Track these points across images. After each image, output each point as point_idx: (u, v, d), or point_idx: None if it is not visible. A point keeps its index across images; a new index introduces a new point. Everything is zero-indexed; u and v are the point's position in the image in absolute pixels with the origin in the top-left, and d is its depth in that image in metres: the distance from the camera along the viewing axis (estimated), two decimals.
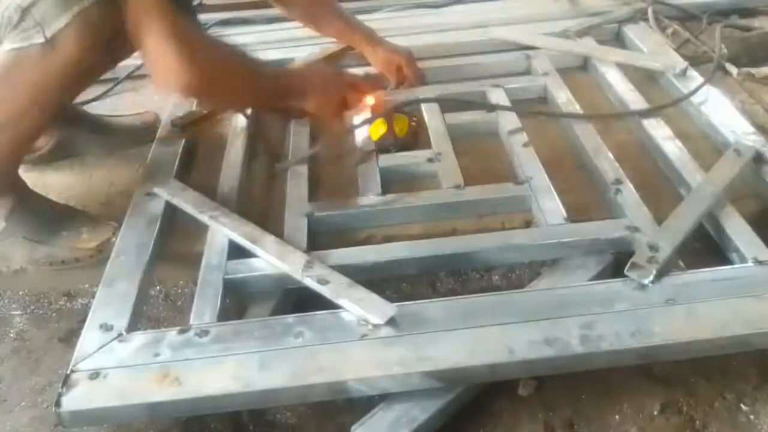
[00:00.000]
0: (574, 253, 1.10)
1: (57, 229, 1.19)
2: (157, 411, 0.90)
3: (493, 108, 1.46)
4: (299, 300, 1.09)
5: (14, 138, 1.14)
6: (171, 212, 1.24)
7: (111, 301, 1.03)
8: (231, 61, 1.18)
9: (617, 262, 1.08)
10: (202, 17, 1.98)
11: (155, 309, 1.15)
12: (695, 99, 1.45)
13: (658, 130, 1.35)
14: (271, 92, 1.25)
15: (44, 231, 1.18)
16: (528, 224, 1.19)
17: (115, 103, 1.68)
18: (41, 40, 1.03)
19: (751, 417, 0.93)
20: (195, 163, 1.43)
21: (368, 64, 1.62)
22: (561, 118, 1.45)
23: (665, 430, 0.92)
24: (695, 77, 1.51)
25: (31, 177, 1.35)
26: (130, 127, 1.53)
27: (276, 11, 2.00)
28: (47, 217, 1.20)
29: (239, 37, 1.88)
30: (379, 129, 1.37)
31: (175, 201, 1.23)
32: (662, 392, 0.97)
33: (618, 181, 1.21)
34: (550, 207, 1.17)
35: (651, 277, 0.98)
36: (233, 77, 1.17)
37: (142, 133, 1.50)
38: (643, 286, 0.98)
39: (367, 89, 1.30)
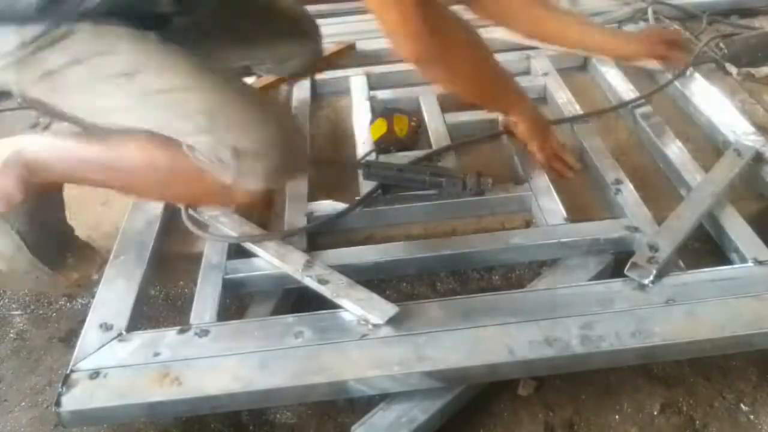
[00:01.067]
0: (574, 253, 1.10)
1: (49, 243, 1.14)
2: (157, 411, 0.90)
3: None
4: (299, 300, 1.09)
5: None
6: (171, 212, 1.24)
7: (111, 300, 1.04)
8: (471, 40, 1.11)
9: (617, 262, 1.08)
10: None
11: (155, 309, 1.15)
12: (695, 99, 1.45)
13: (658, 130, 1.35)
14: (499, 90, 1.22)
15: (35, 237, 1.12)
16: (528, 224, 1.19)
17: None
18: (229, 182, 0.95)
19: (751, 417, 0.93)
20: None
21: None
22: (561, 118, 1.45)
23: (665, 430, 0.92)
24: (695, 77, 1.51)
25: None
26: None
27: None
28: (47, 228, 1.15)
29: None
30: (379, 129, 1.37)
31: None
32: (662, 392, 0.97)
33: (618, 181, 1.21)
34: (550, 207, 1.17)
35: (651, 277, 0.98)
36: (469, 56, 1.11)
37: None
38: (643, 286, 0.98)
39: (559, 160, 1.29)
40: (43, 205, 1.13)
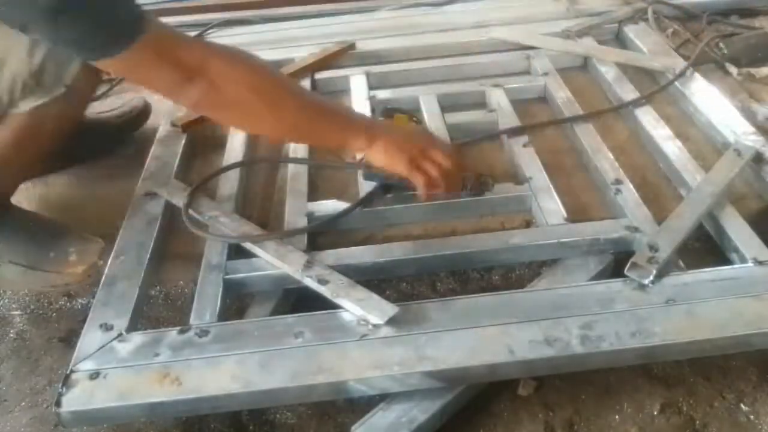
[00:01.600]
0: (574, 253, 1.10)
1: (44, 251, 1.16)
2: (157, 411, 0.90)
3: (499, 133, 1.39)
4: (299, 300, 1.09)
5: (21, 175, 1.22)
6: (171, 212, 1.24)
7: (111, 301, 1.04)
8: (251, 73, 1.01)
9: (617, 262, 1.08)
10: (202, 17, 1.99)
11: (155, 309, 1.15)
12: (695, 99, 1.45)
13: (658, 130, 1.35)
14: (321, 123, 1.07)
15: (31, 254, 1.16)
16: (528, 224, 1.19)
17: (115, 102, 1.67)
18: (62, 89, 1.09)
19: (751, 417, 0.93)
20: (195, 163, 1.43)
21: None
22: (561, 117, 1.45)
23: (665, 430, 0.92)
24: (695, 77, 1.51)
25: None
26: (119, 118, 1.52)
27: (276, 11, 2.01)
28: (33, 239, 1.17)
29: (239, 37, 1.88)
30: None
31: (175, 201, 1.23)
32: (662, 392, 0.97)
33: (618, 181, 1.21)
34: (550, 207, 1.17)
35: (651, 277, 0.98)
36: (252, 93, 0.99)
37: (132, 120, 1.51)
38: (643, 286, 0.98)
39: (439, 156, 1.10)
40: (6, 224, 1.17)
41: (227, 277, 1.08)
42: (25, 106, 1.08)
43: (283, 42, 1.83)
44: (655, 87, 1.53)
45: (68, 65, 1.09)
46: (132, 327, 1.00)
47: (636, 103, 1.44)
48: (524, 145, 1.33)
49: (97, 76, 1.20)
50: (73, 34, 0.84)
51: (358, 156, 1.25)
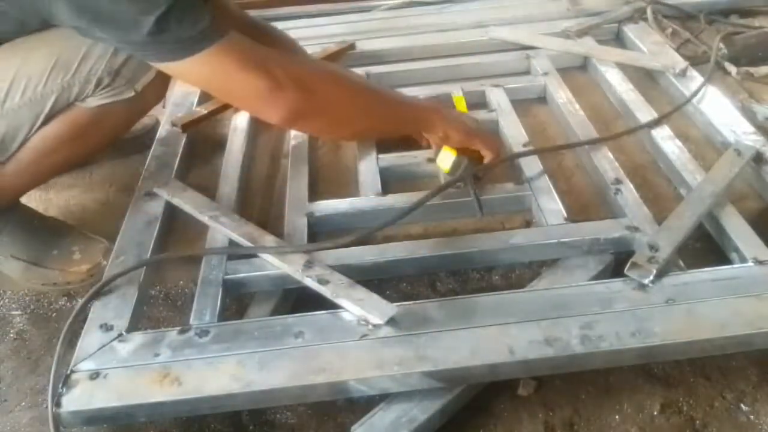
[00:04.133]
0: (574, 253, 1.10)
1: (48, 248, 1.17)
2: (157, 411, 0.90)
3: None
4: (299, 300, 1.09)
5: (59, 170, 1.23)
6: (171, 212, 1.24)
7: (111, 301, 1.04)
8: (334, 76, 1.09)
9: (617, 262, 1.08)
10: None
11: (155, 309, 1.15)
12: (695, 99, 1.44)
13: (658, 130, 1.35)
14: (393, 115, 1.17)
15: (34, 250, 1.17)
16: (528, 224, 1.19)
17: None
18: (132, 93, 1.10)
19: (751, 417, 0.93)
20: (195, 163, 1.43)
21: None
22: (560, 118, 1.46)
23: (665, 430, 0.92)
24: (695, 77, 1.51)
25: None
26: (131, 134, 1.51)
27: (276, 11, 2.01)
28: (37, 235, 1.18)
29: None
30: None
31: (175, 201, 1.23)
32: (662, 392, 0.97)
33: (618, 181, 1.21)
34: (550, 207, 1.17)
35: (651, 277, 0.98)
36: (341, 95, 1.07)
37: (142, 138, 1.50)
38: (643, 286, 0.98)
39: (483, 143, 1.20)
40: (12, 221, 1.17)
41: (227, 277, 1.08)
42: (93, 102, 1.09)
43: None
44: (654, 87, 1.53)
45: (144, 71, 1.10)
46: (132, 327, 1.00)
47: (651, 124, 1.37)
48: (524, 145, 1.33)
49: (165, 87, 1.20)
50: (166, 41, 0.91)
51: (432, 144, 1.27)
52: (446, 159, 1.21)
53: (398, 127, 1.21)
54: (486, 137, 1.22)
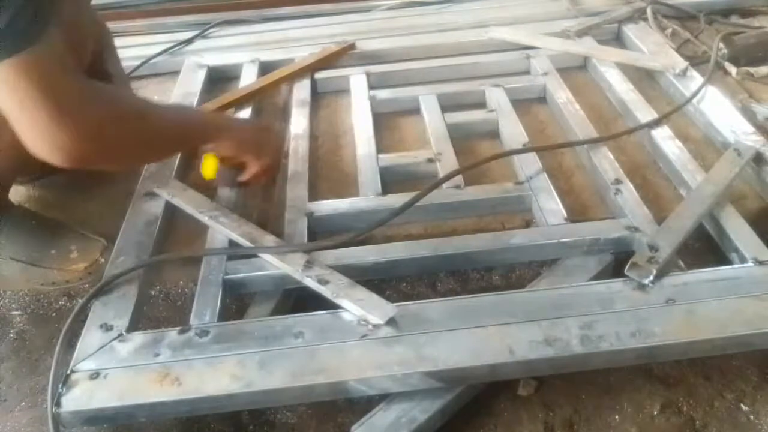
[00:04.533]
0: (574, 253, 1.10)
1: (45, 248, 1.17)
2: (157, 411, 0.90)
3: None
4: (299, 300, 1.09)
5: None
6: (171, 212, 1.24)
7: (111, 301, 1.04)
8: (118, 101, 0.99)
9: (617, 262, 1.08)
10: (202, 17, 1.99)
11: (155, 309, 1.15)
12: (695, 99, 1.44)
13: (658, 130, 1.35)
14: (184, 131, 1.13)
15: (32, 250, 1.16)
16: (528, 224, 1.19)
17: None
18: None
19: (751, 417, 0.93)
20: (195, 163, 1.43)
21: None
22: (560, 117, 1.46)
23: (665, 430, 0.92)
24: (695, 77, 1.51)
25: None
26: None
27: (276, 11, 2.01)
28: (34, 235, 1.18)
29: (239, 37, 1.88)
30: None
31: (175, 201, 1.23)
32: (662, 392, 0.97)
33: (618, 181, 1.21)
34: (550, 207, 1.17)
35: (651, 277, 0.98)
36: (128, 119, 0.96)
37: None
38: (643, 286, 0.98)
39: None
40: (7, 221, 1.16)
41: (227, 277, 1.08)
42: None
43: (283, 42, 1.83)
44: (654, 86, 1.53)
45: None
46: (132, 327, 1.00)
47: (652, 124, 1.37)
48: (524, 145, 1.33)
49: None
50: None
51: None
52: (206, 167, 1.22)
53: (189, 144, 1.21)
54: (260, 151, 1.22)
